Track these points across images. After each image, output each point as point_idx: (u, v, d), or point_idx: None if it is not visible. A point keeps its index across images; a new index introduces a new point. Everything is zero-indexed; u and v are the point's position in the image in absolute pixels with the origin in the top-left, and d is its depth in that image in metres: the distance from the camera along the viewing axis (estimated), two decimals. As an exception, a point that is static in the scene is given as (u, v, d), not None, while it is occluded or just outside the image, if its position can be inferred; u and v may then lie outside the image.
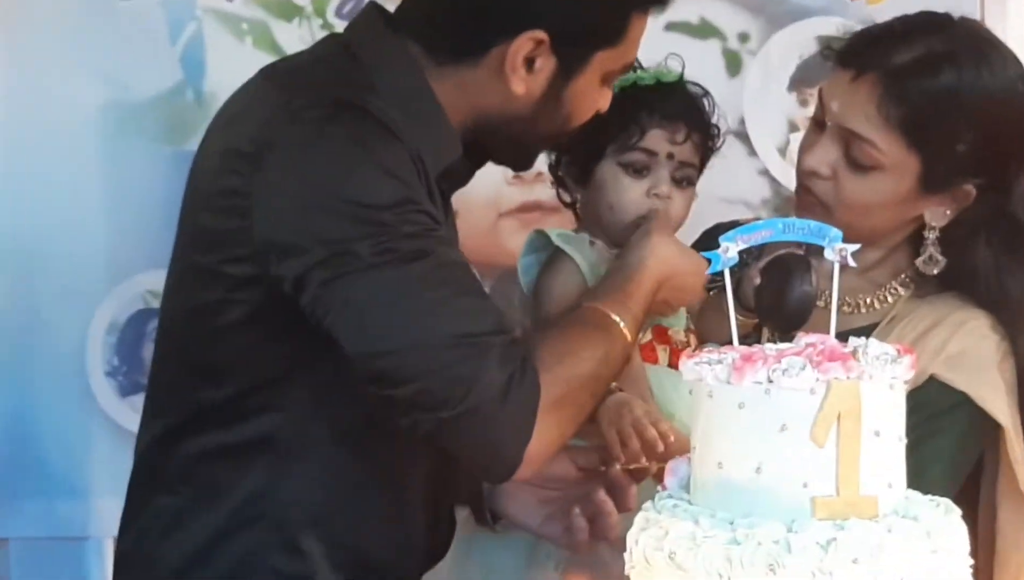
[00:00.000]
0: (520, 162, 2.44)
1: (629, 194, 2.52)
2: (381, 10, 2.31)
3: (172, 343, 2.31)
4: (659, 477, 2.28)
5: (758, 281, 2.47)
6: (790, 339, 1.95)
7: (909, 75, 2.38)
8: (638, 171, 2.53)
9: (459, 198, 3.26)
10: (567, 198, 2.65)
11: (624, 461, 2.32)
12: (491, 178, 3.31)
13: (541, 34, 2.18)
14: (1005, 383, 2.38)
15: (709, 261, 2.00)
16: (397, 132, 2.12)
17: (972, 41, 2.45)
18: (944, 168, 2.40)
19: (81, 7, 3.19)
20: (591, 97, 2.29)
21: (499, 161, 2.43)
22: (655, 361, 2.52)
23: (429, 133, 2.20)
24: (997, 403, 2.35)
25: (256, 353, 2.18)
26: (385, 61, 2.23)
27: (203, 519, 2.24)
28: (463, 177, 2.37)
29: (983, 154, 2.41)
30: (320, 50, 2.34)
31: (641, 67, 2.54)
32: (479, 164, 2.40)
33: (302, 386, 2.19)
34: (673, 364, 2.49)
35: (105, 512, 3.13)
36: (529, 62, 2.21)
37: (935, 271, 2.45)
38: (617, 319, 2.22)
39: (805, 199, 2.50)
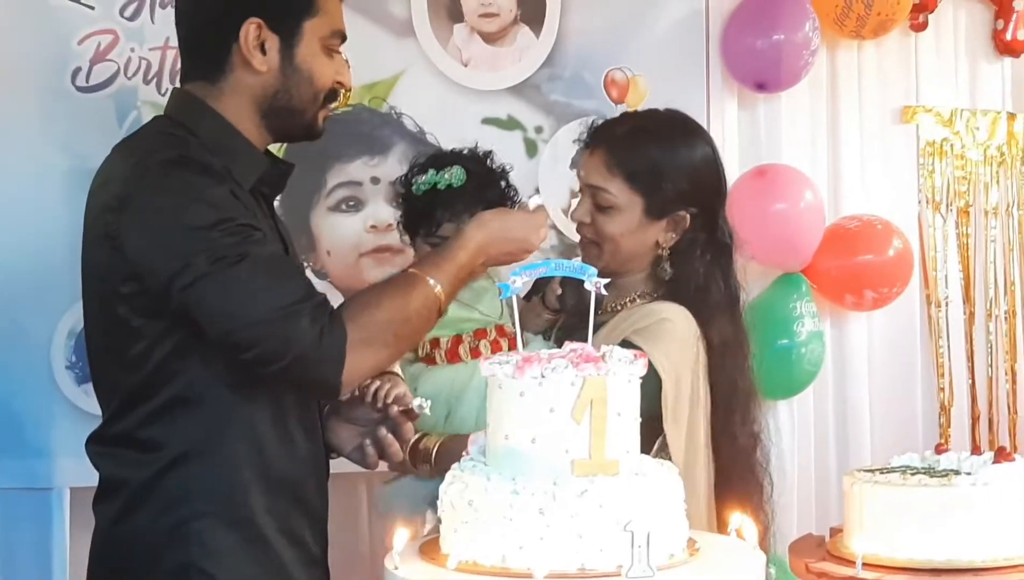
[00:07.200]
0: (308, 132, 2.36)
1: None
2: (177, 88, 2.36)
3: (97, 347, 2.28)
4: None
5: (559, 291, 2.56)
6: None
7: (622, 141, 2.51)
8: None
9: (331, 242, 3.29)
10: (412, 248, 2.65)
11: (401, 404, 2.32)
12: (354, 229, 3.31)
13: (256, 19, 2.22)
14: (702, 360, 2.44)
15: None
16: (214, 170, 2.15)
17: (664, 120, 2.59)
18: (659, 201, 2.50)
19: (50, 97, 3.12)
20: (321, 61, 2.28)
21: (294, 138, 2.40)
22: (500, 349, 2.50)
23: (238, 158, 2.23)
24: (660, 360, 2.35)
25: (157, 342, 2.15)
26: (190, 115, 2.26)
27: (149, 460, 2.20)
28: (278, 183, 2.38)
29: (689, 191, 2.51)
30: (151, 125, 2.35)
31: (439, 170, 2.53)
32: (287, 173, 2.39)
33: (194, 357, 2.16)
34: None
35: (65, 468, 3.06)
36: (262, 47, 2.23)
37: (666, 276, 2.53)
38: (420, 274, 2.19)
39: (582, 243, 2.59)
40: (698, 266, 2.51)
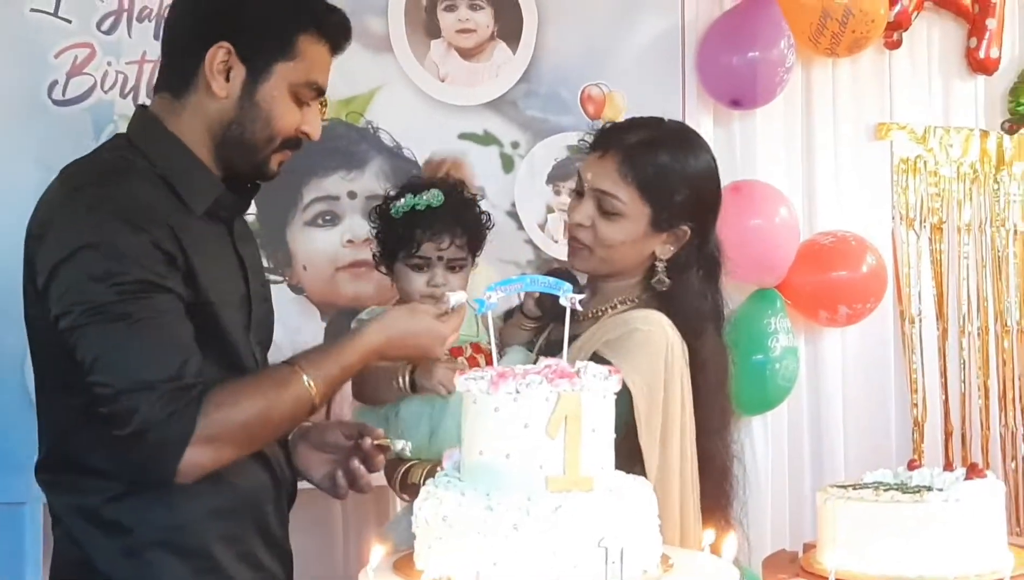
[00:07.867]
0: (258, 171, 2.29)
1: (414, 285, 2.61)
2: (140, 107, 2.33)
3: (40, 370, 2.25)
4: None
5: (537, 295, 2.57)
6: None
7: (636, 150, 2.48)
8: (419, 269, 2.60)
9: (308, 256, 3.28)
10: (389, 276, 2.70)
11: (375, 437, 2.30)
12: (331, 244, 3.30)
13: (226, 44, 2.18)
14: (679, 371, 2.40)
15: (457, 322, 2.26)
16: (138, 215, 2.09)
17: (675, 132, 2.59)
18: (667, 213, 2.49)
19: (26, 111, 3.09)
20: (284, 105, 2.22)
21: (244, 175, 2.30)
22: (477, 365, 2.52)
23: (191, 183, 2.20)
24: (631, 375, 2.32)
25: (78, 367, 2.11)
26: (147, 138, 2.22)
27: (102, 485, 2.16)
28: (238, 206, 2.33)
29: (693, 205, 2.50)
30: (107, 146, 2.31)
31: (416, 193, 2.59)
32: (250, 196, 2.35)
33: None
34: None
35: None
36: (227, 74, 2.19)
37: (663, 289, 2.51)
38: (299, 372, 2.14)
39: (574, 245, 2.56)
40: (694, 281, 2.51)
